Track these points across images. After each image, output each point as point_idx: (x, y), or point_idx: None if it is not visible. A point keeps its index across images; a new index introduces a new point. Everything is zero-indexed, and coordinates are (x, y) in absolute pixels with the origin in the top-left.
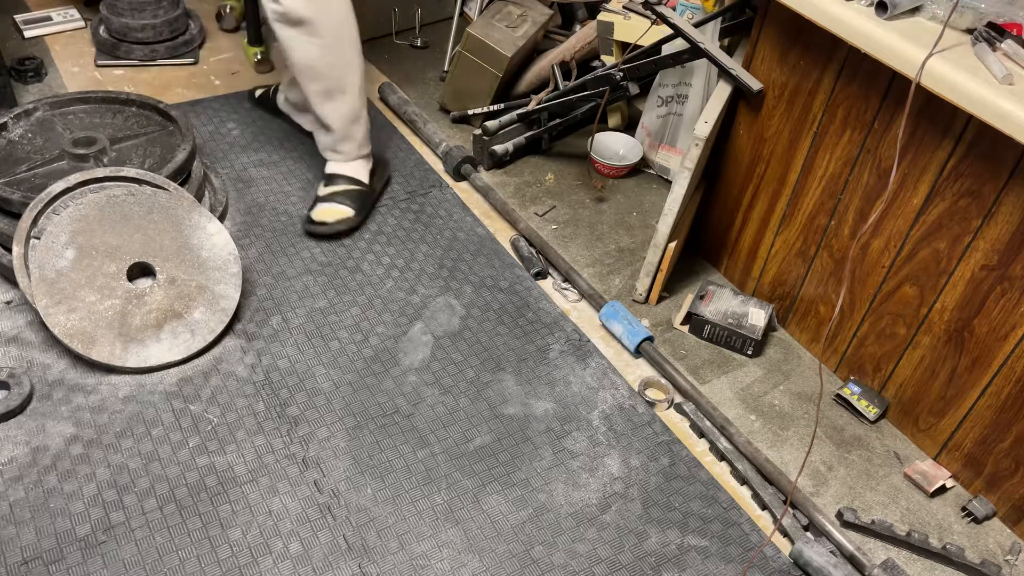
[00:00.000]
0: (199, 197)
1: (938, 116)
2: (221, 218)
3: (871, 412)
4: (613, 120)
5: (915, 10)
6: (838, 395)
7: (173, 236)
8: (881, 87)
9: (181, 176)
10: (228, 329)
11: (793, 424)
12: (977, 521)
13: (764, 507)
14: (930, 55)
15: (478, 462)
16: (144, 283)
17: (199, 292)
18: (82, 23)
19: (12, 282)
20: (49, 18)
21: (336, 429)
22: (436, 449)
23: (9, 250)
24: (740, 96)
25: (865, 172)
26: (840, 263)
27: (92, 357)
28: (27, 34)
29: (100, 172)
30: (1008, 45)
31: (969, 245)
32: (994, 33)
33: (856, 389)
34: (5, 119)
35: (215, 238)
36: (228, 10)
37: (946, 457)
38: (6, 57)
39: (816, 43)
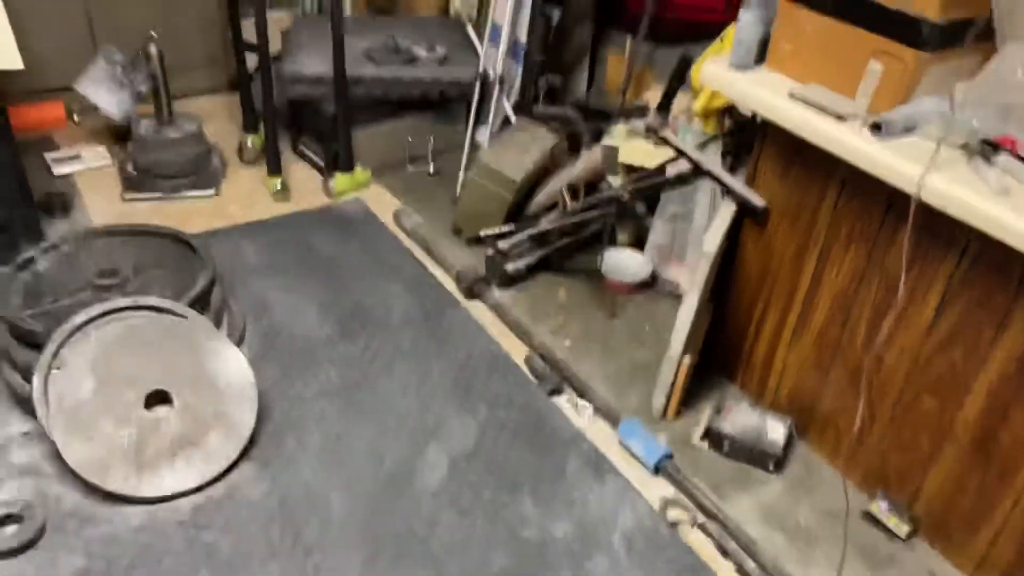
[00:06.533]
0: (218, 323)
1: (940, 229)
2: (239, 343)
3: (902, 529)
4: (622, 237)
5: (909, 130)
6: (866, 512)
7: (191, 363)
8: (882, 202)
9: (201, 303)
10: (244, 454)
11: (820, 543)
12: None
13: None
14: (927, 171)
15: None
16: (161, 411)
17: (215, 419)
18: (109, 161)
19: (31, 412)
20: (79, 156)
21: (351, 558)
22: (454, 575)
23: (29, 381)
24: (745, 212)
25: (873, 285)
26: (855, 375)
27: (107, 488)
28: (56, 171)
29: (121, 302)
30: (1003, 160)
31: (986, 355)
32: (989, 148)
33: (885, 505)
34: (33, 253)
35: (232, 364)
36: (249, 144)
37: (983, 575)
38: (36, 192)
39: (816, 161)
